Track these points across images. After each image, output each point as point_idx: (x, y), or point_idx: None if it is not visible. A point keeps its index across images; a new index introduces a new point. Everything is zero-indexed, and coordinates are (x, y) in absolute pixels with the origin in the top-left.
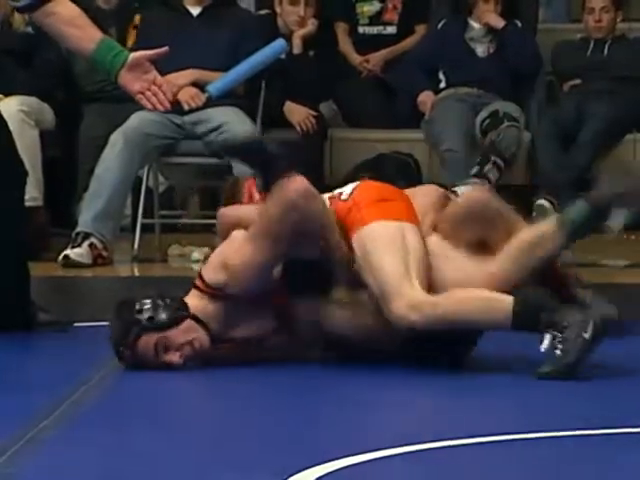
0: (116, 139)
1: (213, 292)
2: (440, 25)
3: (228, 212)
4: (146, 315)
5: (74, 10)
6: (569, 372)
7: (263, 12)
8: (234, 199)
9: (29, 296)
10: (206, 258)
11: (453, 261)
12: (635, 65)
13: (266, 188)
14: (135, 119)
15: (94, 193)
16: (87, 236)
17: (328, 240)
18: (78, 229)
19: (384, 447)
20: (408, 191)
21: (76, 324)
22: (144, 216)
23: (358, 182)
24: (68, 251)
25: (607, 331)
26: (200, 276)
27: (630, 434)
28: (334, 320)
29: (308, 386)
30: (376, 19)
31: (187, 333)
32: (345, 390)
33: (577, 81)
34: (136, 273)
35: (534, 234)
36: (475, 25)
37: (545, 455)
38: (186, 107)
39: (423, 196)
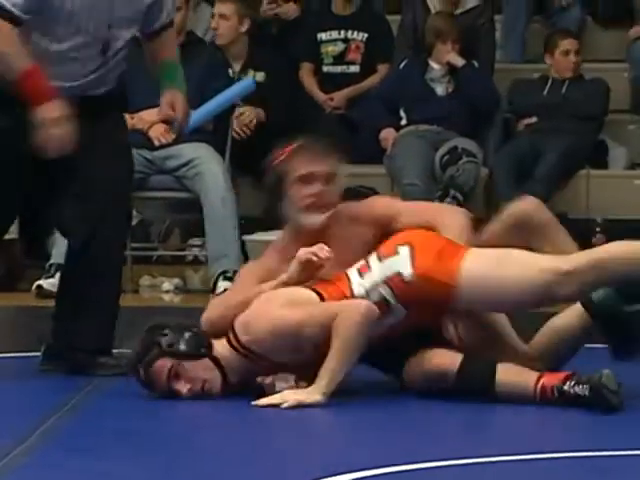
0: None
1: (243, 351)
2: (402, 65)
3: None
4: (168, 340)
5: None
6: None
7: None
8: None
9: None
10: (177, 288)
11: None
12: (589, 104)
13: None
14: None
15: None
16: (60, 267)
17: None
18: (52, 260)
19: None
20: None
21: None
22: None
23: (402, 250)
24: (41, 281)
25: None
26: (233, 328)
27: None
28: None
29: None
30: (340, 59)
31: (203, 370)
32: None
33: (533, 119)
34: None
35: (629, 249)
36: (435, 66)
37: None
38: (157, 143)
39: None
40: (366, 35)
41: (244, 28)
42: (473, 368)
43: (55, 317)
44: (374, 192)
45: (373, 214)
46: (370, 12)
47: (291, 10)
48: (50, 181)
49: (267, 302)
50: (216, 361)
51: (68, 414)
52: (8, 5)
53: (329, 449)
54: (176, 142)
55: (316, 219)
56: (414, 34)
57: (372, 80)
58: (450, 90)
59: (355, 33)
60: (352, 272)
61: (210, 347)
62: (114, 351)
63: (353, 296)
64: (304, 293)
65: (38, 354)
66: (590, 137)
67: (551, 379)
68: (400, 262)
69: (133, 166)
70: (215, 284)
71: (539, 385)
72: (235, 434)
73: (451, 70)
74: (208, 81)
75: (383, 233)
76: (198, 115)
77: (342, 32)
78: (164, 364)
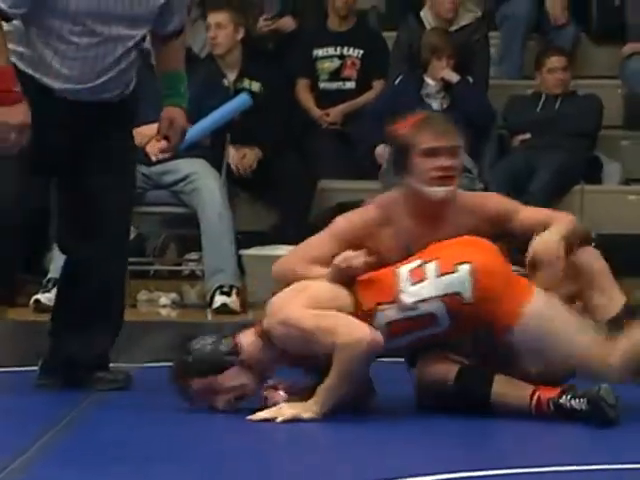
0: None
1: (265, 337)
2: (397, 81)
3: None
4: (192, 361)
5: None
6: None
7: None
8: None
9: None
10: (173, 303)
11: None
12: (583, 120)
13: None
14: None
15: None
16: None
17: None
18: (49, 275)
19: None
20: None
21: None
22: None
23: (461, 268)
24: (39, 295)
25: None
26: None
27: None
28: None
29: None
30: (336, 75)
31: (234, 378)
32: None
33: (527, 135)
34: None
35: None
36: (430, 82)
37: None
38: (154, 158)
39: None
40: (361, 51)
41: (239, 36)
42: (470, 376)
43: (51, 331)
44: None
45: (493, 209)
46: (366, 29)
47: (288, 23)
48: (49, 192)
49: (299, 292)
50: (243, 364)
51: (65, 428)
52: None
53: (327, 460)
54: (173, 157)
55: (440, 192)
56: (409, 50)
57: (367, 96)
58: (445, 106)
59: (351, 49)
60: (403, 274)
61: (236, 349)
62: (111, 365)
63: (397, 301)
64: (338, 295)
65: (35, 368)
66: (584, 153)
67: (547, 392)
68: (459, 282)
69: (135, 182)
70: (212, 299)
71: (534, 398)
72: (235, 446)
73: (446, 86)
74: (205, 97)
75: (496, 231)
76: (195, 131)
77: (338, 48)
78: (201, 382)
